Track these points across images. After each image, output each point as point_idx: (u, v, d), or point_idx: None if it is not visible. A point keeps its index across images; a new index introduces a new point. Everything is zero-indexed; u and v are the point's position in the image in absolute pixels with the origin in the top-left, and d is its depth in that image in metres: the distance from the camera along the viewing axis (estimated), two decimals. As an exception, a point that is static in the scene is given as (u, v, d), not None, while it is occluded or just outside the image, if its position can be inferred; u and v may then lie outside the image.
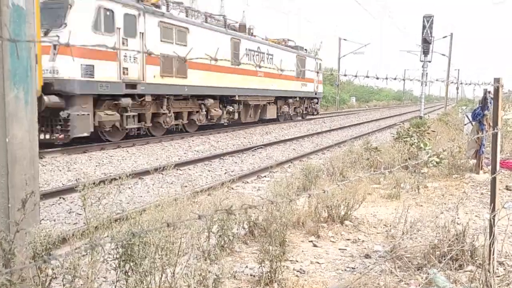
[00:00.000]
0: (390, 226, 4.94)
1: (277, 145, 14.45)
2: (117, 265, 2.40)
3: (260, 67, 18.34)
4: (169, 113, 14.73)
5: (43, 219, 5.64)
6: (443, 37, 28.92)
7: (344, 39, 39.09)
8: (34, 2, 2.45)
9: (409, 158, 8.15)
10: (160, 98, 14.27)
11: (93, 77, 11.42)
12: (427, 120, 14.25)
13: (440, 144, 9.30)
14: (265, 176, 9.20)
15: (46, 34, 10.70)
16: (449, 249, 3.59)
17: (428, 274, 3.43)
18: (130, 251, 2.30)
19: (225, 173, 9.53)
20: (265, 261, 3.48)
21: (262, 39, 20.62)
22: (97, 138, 12.87)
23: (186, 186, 7.07)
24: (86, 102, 11.58)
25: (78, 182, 2.73)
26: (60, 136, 11.19)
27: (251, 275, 3.63)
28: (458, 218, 4.63)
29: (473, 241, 3.75)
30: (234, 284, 3.45)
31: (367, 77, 1.84)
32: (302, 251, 4.28)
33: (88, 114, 11.62)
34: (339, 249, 4.37)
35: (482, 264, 3.16)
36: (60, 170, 9.11)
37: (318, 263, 4.01)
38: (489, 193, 6.63)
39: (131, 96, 12.91)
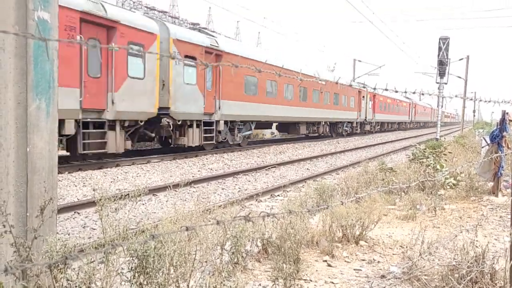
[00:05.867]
0: (406, 247, 4.84)
1: (291, 164, 14.40)
2: (132, 277, 2.38)
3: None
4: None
5: (57, 233, 5.67)
6: (459, 59, 28.80)
7: (359, 60, 39.23)
8: (57, 16, 2.53)
9: (426, 180, 8.02)
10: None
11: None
12: (444, 142, 14.08)
13: (457, 166, 9.17)
14: (278, 195, 9.15)
15: None
16: (468, 271, 3.49)
17: (446, 296, 3.33)
18: (145, 263, 2.28)
19: (239, 191, 9.51)
20: (278, 279, 3.43)
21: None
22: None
23: (199, 206, 7.06)
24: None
25: (95, 191, 2.74)
26: None
27: (264, 293, 3.58)
28: (477, 240, 4.52)
29: (493, 263, 3.65)
30: (247, 302, 3.39)
31: (386, 89, 1.85)
32: (316, 270, 4.21)
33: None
34: (354, 269, 4.28)
35: (503, 287, 3.06)
36: (76, 186, 9.19)
37: (332, 283, 3.93)
38: (509, 216, 6.47)
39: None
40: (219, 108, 15.80)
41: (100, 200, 2.50)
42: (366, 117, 35.20)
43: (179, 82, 13.89)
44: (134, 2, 58.72)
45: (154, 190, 8.60)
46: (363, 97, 34.13)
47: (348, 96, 30.80)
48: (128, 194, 2.90)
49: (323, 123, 27.33)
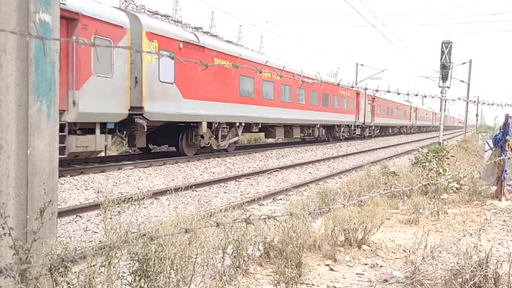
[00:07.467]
0: (409, 251, 4.81)
1: (293, 168, 14.37)
2: (132, 280, 2.37)
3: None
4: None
5: (59, 236, 5.66)
6: (462, 63, 28.77)
7: (361, 65, 39.24)
8: (59, 18, 2.53)
9: (428, 184, 7.99)
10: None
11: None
12: (446, 146, 14.02)
13: (460, 170, 9.12)
14: (280, 199, 9.12)
15: None
16: (472, 276, 3.46)
17: (449, 301, 3.30)
18: (145, 266, 2.27)
19: (241, 195, 9.49)
20: (280, 283, 3.41)
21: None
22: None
23: (200, 209, 7.05)
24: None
25: (99, 193, 2.73)
26: None
27: (266, 297, 3.55)
28: (480, 245, 4.48)
29: (497, 268, 3.61)
30: (249, 306, 3.37)
31: (388, 91, 1.83)
32: (318, 274, 4.19)
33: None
34: (357, 273, 4.26)
35: (507, 292, 3.03)
36: (78, 189, 9.19)
37: (334, 287, 3.90)
38: (512, 220, 6.41)
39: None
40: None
41: (104, 202, 2.49)
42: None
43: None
44: (137, 6, 59.04)
45: (156, 194, 8.59)
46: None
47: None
48: (132, 197, 2.89)
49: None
